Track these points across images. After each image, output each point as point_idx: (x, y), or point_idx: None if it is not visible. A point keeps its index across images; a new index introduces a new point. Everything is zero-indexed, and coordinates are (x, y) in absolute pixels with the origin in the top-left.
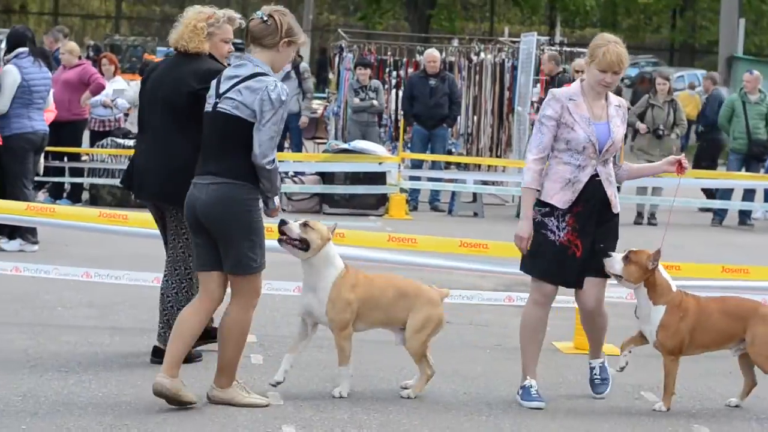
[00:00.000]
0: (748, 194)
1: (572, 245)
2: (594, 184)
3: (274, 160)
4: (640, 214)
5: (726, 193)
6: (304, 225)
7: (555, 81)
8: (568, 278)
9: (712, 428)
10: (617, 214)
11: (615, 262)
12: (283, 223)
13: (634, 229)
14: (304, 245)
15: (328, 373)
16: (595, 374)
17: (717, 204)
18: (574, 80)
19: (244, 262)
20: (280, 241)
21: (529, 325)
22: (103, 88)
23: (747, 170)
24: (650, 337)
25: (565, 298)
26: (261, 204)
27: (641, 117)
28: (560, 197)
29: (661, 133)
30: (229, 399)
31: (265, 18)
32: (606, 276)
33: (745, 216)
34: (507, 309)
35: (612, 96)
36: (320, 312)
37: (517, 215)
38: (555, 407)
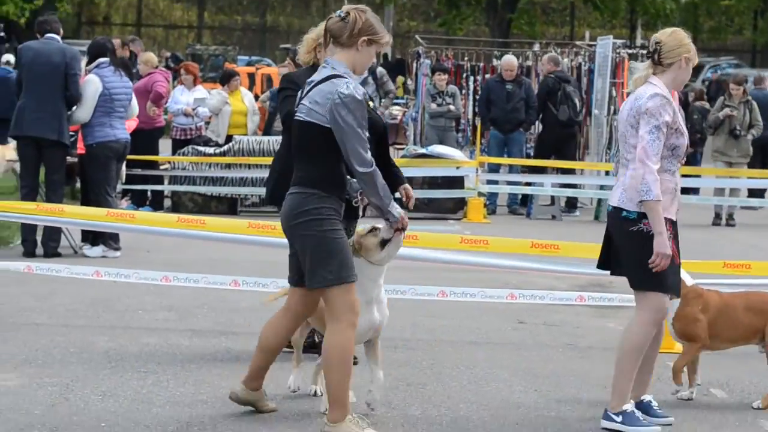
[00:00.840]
0: None
1: (675, 254)
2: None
3: (371, 163)
4: (718, 215)
5: None
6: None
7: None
8: (679, 289)
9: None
10: None
11: None
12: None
13: (713, 231)
14: None
15: (402, 372)
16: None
17: None
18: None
19: (318, 274)
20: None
21: (641, 347)
22: (161, 96)
23: None
24: (671, 330)
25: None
26: (340, 211)
27: (716, 120)
28: (673, 209)
29: (738, 133)
30: None
31: (343, 15)
32: None
33: None
34: (580, 309)
35: None
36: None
37: (596, 218)
38: None
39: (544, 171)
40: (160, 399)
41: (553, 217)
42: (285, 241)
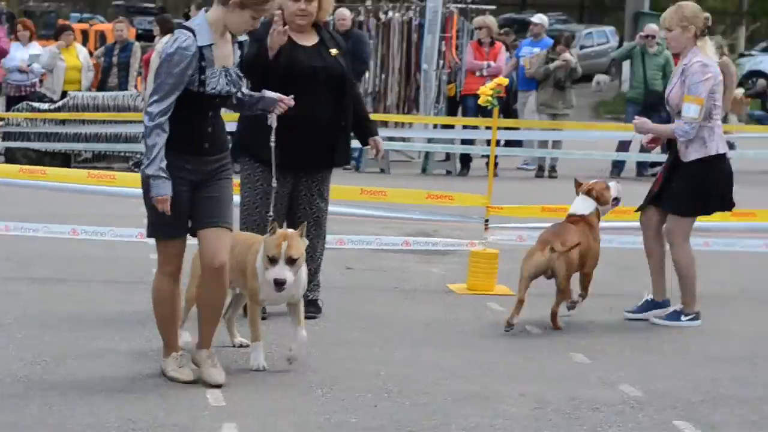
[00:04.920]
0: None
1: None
2: None
3: (150, 116)
4: (541, 168)
5: (625, 145)
6: (290, 261)
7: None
8: None
9: (588, 355)
10: None
11: None
12: (281, 283)
13: (535, 182)
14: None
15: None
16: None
17: (614, 156)
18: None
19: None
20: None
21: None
22: (6, 52)
23: None
24: None
25: (457, 241)
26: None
27: (547, 71)
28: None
29: (563, 85)
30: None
31: None
32: None
33: (642, 167)
34: (406, 255)
35: None
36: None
37: (423, 171)
38: (447, 341)
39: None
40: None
41: (382, 170)
42: (125, 190)
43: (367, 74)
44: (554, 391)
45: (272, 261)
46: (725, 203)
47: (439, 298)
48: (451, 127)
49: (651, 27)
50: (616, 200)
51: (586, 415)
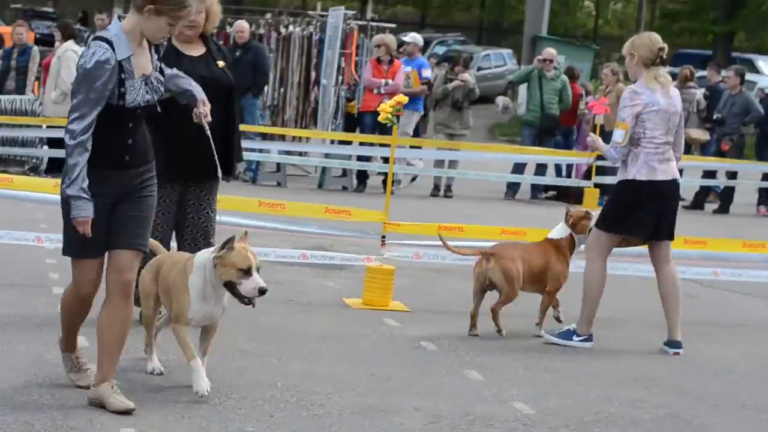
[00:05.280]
0: (541, 168)
1: None
2: None
3: (72, 134)
4: (436, 187)
5: (520, 167)
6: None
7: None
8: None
9: (482, 372)
10: None
11: None
12: (264, 291)
13: (431, 201)
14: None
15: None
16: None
17: (510, 178)
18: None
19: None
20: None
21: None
22: None
23: (540, 145)
24: None
25: (353, 256)
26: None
27: (445, 90)
28: None
29: (461, 106)
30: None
31: None
32: None
33: (536, 190)
34: (302, 269)
35: None
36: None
37: (320, 186)
38: (343, 355)
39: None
40: None
41: (279, 183)
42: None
43: (266, 88)
44: (449, 406)
45: (246, 272)
46: (639, 229)
47: (335, 311)
48: (349, 143)
49: (549, 51)
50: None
51: (479, 431)
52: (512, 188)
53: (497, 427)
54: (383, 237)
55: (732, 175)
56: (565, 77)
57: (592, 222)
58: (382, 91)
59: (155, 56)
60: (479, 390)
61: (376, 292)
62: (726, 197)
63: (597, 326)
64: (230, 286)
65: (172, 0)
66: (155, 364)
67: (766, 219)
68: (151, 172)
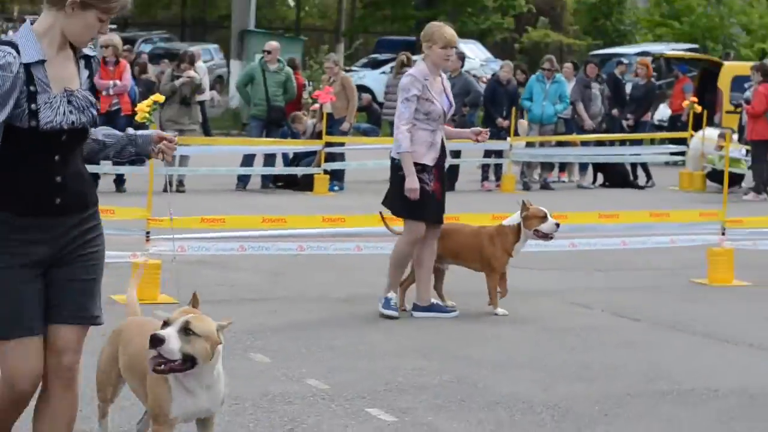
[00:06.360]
0: (269, 158)
1: (438, 192)
2: (442, 143)
3: None
4: (169, 183)
5: (249, 159)
6: (185, 331)
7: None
8: (440, 217)
9: (267, 355)
10: None
11: None
12: (157, 340)
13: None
14: (189, 364)
15: None
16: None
17: (240, 170)
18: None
19: None
20: (155, 370)
21: (403, 257)
22: None
23: (267, 136)
24: None
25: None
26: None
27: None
28: (429, 157)
29: (189, 101)
30: None
31: None
32: None
33: (266, 180)
34: None
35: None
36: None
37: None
38: None
39: None
40: None
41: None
42: None
43: None
44: (246, 388)
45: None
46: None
47: (107, 309)
48: None
49: (271, 44)
50: (544, 235)
51: (282, 409)
52: (243, 180)
53: (297, 404)
54: (148, 233)
55: (456, 153)
56: (289, 69)
57: (544, 226)
58: (111, 92)
59: (85, 72)
60: (270, 371)
61: (144, 286)
62: (451, 175)
63: (354, 304)
64: None
65: None
66: None
67: (489, 193)
68: (95, 220)
